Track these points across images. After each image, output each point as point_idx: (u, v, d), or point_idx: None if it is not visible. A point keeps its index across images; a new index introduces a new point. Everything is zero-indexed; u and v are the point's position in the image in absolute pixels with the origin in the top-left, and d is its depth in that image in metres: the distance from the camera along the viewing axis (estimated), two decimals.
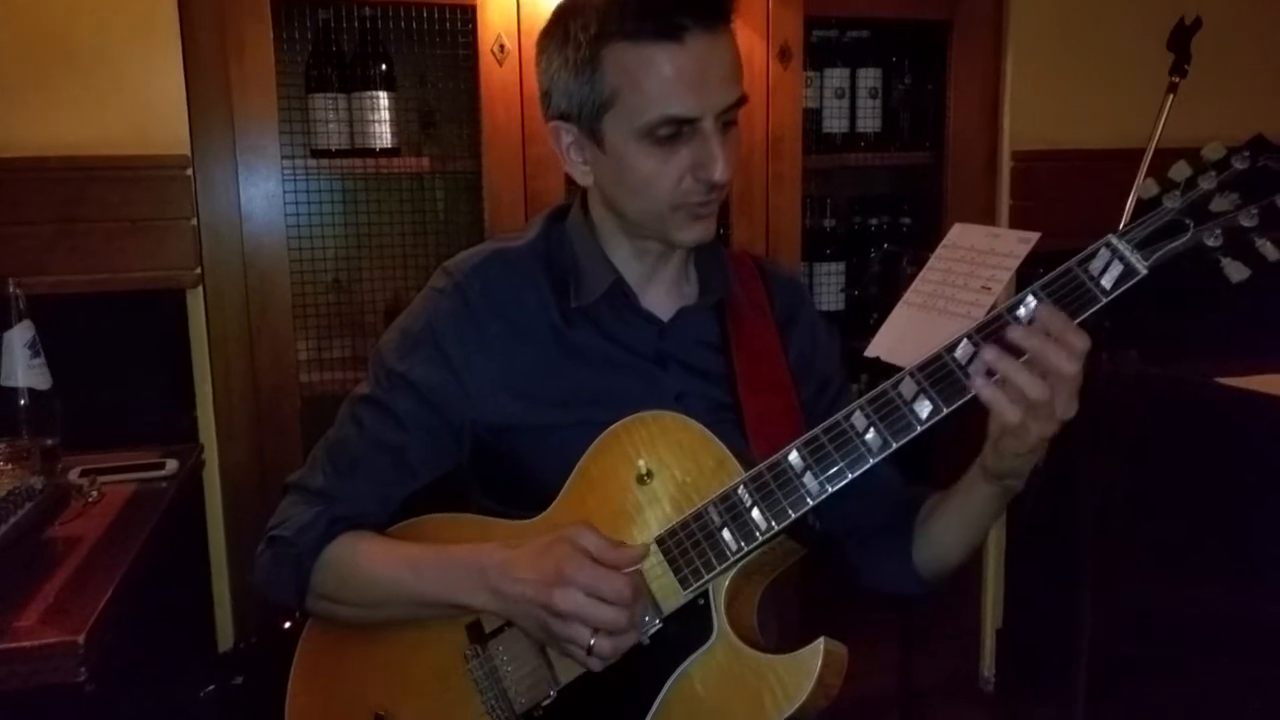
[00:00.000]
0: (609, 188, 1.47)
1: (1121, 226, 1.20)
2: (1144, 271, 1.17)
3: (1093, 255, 1.19)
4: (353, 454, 1.51)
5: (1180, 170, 1.20)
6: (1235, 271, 1.18)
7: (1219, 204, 1.18)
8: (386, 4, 2.61)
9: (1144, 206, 1.20)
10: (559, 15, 1.42)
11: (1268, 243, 1.17)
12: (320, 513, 1.48)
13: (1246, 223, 1.16)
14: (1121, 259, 1.18)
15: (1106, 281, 1.18)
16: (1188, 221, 1.18)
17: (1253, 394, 2.49)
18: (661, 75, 1.33)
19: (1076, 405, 1.22)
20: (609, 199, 1.48)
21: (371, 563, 1.44)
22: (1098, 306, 1.19)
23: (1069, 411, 1.22)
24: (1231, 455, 2.53)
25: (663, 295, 1.54)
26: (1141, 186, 1.21)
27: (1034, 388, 1.19)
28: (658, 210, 1.42)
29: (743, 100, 1.39)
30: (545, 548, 1.33)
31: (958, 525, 1.48)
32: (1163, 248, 1.18)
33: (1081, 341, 1.19)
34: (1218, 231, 1.17)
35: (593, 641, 1.27)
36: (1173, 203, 1.19)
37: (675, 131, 1.36)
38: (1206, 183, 1.18)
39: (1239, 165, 1.18)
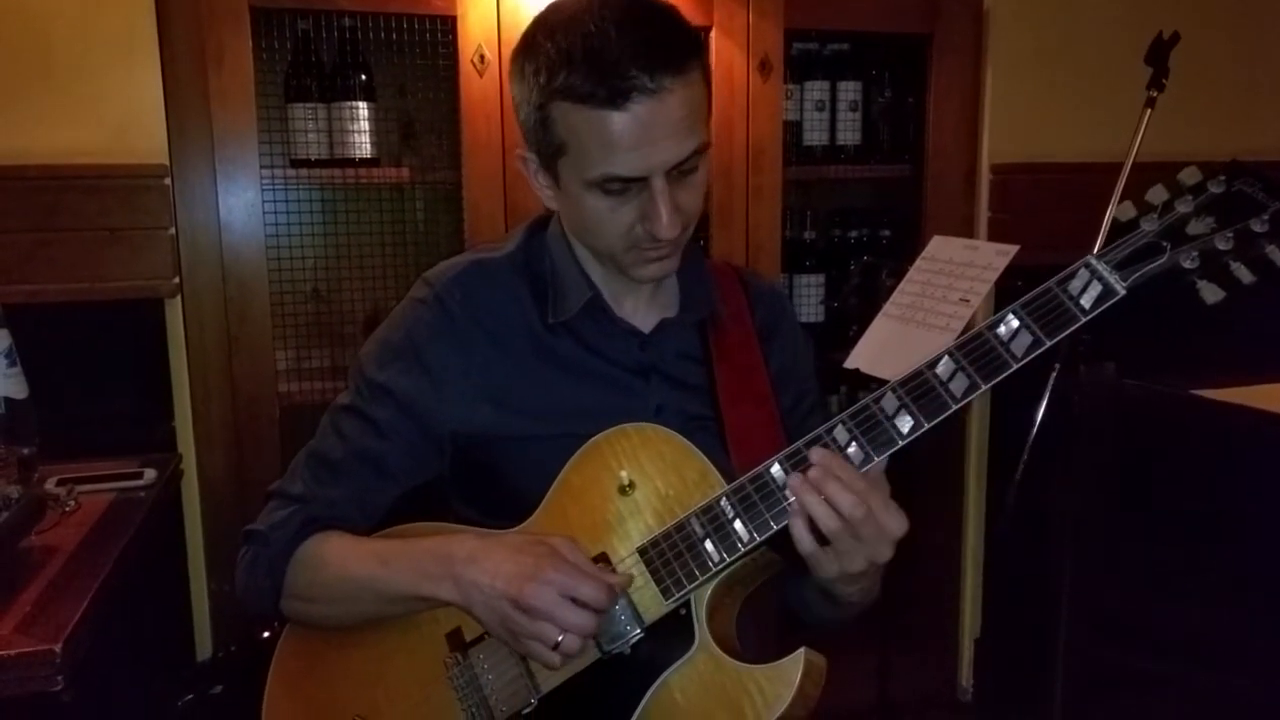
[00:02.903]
0: (569, 220, 1.49)
1: (1098, 242, 1.22)
2: (1122, 292, 1.19)
3: (1072, 275, 1.21)
4: (333, 463, 1.51)
5: (1157, 193, 1.22)
6: (1210, 293, 1.20)
7: (1195, 227, 1.19)
8: (366, 14, 2.60)
9: (1121, 228, 1.22)
10: (521, 47, 1.39)
11: (1242, 266, 1.18)
12: (295, 511, 1.48)
13: (1222, 246, 1.18)
14: (1100, 279, 1.19)
15: (1086, 301, 1.19)
16: (1165, 244, 1.20)
17: (1229, 406, 2.50)
18: (605, 139, 1.30)
19: (886, 551, 1.25)
20: (570, 229, 1.50)
21: (341, 558, 1.44)
22: (1077, 325, 1.20)
23: (876, 557, 1.25)
24: (1208, 467, 2.54)
25: (642, 307, 1.55)
26: (1119, 208, 1.22)
27: (830, 521, 1.23)
28: (611, 250, 1.42)
29: (701, 148, 1.36)
30: (523, 545, 1.33)
31: (818, 598, 1.45)
32: (1140, 269, 1.19)
33: (862, 484, 1.23)
34: (1194, 254, 1.19)
35: (560, 639, 1.27)
36: (1150, 225, 1.20)
37: (623, 187, 1.34)
38: (1183, 206, 1.20)
39: (1215, 189, 1.20)
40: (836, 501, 1.22)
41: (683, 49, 1.32)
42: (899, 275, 2.20)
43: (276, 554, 1.47)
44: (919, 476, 3.29)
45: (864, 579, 1.31)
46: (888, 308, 2.16)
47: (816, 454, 1.26)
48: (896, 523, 1.25)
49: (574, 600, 1.28)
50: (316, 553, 1.46)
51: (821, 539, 1.25)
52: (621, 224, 1.38)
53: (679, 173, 1.35)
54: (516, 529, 1.43)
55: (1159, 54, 2.42)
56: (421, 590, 1.38)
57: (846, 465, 1.24)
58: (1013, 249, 2.00)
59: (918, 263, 2.16)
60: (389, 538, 1.49)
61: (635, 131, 1.29)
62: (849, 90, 3.11)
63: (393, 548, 1.43)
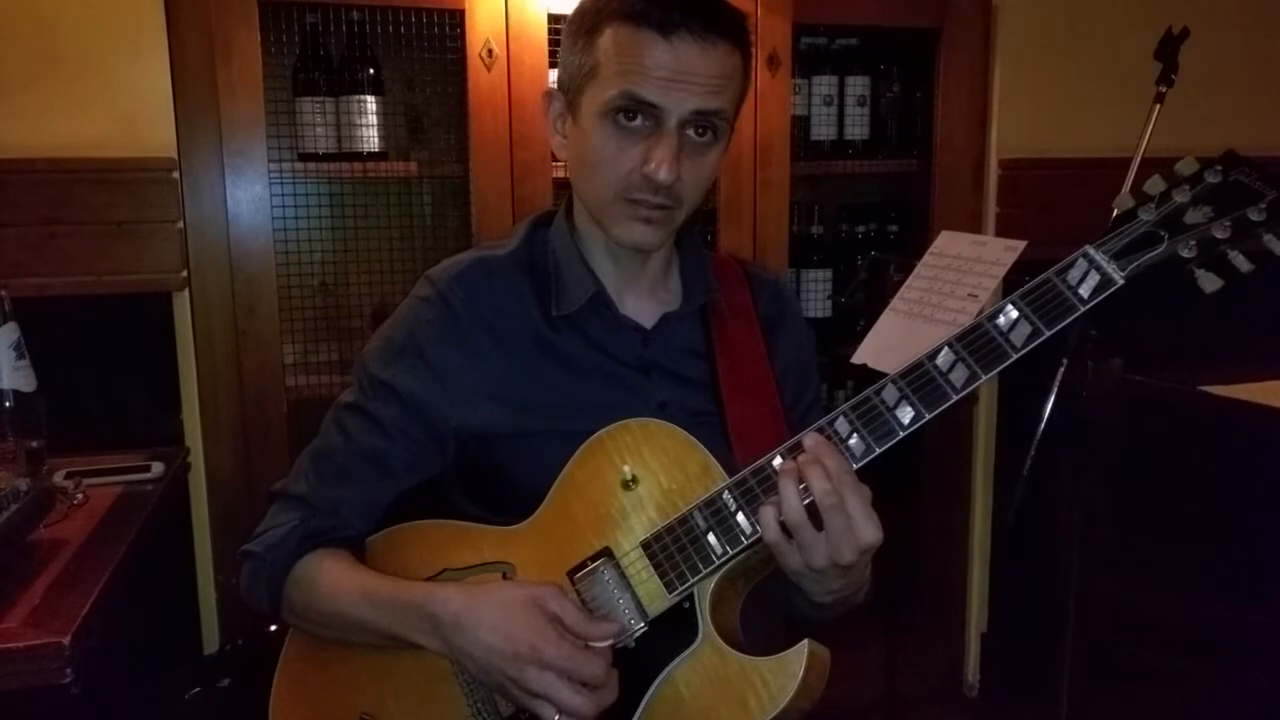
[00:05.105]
0: (573, 165, 1.49)
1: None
2: (1120, 281, 1.19)
3: (1070, 265, 1.21)
4: (337, 461, 1.51)
5: (1155, 184, 1.23)
6: (1209, 282, 1.21)
7: (1193, 216, 1.20)
8: (374, 8, 2.60)
9: (1120, 220, 1.22)
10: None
11: (1239, 254, 1.19)
12: (294, 528, 1.48)
13: (1219, 235, 1.19)
14: (1099, 269, 1.20)
15: (1084, 291, 1.20)
16: (1162, 233, 1.20)
17: (1235, 401, 2.50)
18: (640, 59, 1.35)
19: (849, 553, 1.23)
20: (572, 178, 1.52)
21: (333, 591, 1.43)
22: (1076, 315, 1.20)
23: (840, 557, 1.24)
24: (1214, 462, 2.54)
25: (645, 301, 1.55)
26: (1117, 200, 1.23)
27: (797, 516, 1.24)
28: (603, 197, 1.43)
29: (718, 114, 1.39)
30: (512, 610, 1.30)
31: (800, 596, 1.43)
32: (1139, 258, 1.20)
33: (847, 478, 1.23)
34: (1192, 243, 1.20)
35: (556, 717, 1.27)
36: (1148, 215, 1.21)
37: (636, 116, 1.37)
38: (1180, 196, 1.21)
39: (1211, 179, 1.21)
40: (811, 485, 1.22)
41: (735, 28, 1.40)
42: (907, 270, 2.20)
43: (273, 573, 1.47)
44: (926, 471, 3.29)
45: (831, 580, 1.29)
46: (895, 303, 2.16)
47: (809, 440, 1.26)
48: (869, 530, 1.23)
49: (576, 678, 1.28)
50: (311, 577, 1.45)
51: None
52: (624, 165, 1.39)
53: (692, 137, 1.39)
54: (521, 524, 1.43)
55: (1168, 49, 2.41)
56: (411, 640, 1.37)
57: (836, 454, 1.25)
58: (1020, 244, 1.99)
59: (925, 258, 2.16)
60: (397, 545, 1.50)
61: (670, 63, 1.34)
62: (857, 85, 3.10)
63: (382, 590, 1.41)
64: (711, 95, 1.37)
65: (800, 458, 1.25)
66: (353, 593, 1.42)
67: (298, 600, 1.47)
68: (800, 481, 1.23)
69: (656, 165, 1.37)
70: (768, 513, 1.25)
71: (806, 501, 1.23)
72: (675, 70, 1.35)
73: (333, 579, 1.44)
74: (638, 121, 1.38)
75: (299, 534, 1.47)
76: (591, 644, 1.30)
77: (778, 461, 1.29)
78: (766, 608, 1.48)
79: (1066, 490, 2.55)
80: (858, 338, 2.20)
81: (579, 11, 1.44)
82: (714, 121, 1.40)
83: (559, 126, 1.50)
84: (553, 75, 1.68)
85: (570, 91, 1.45)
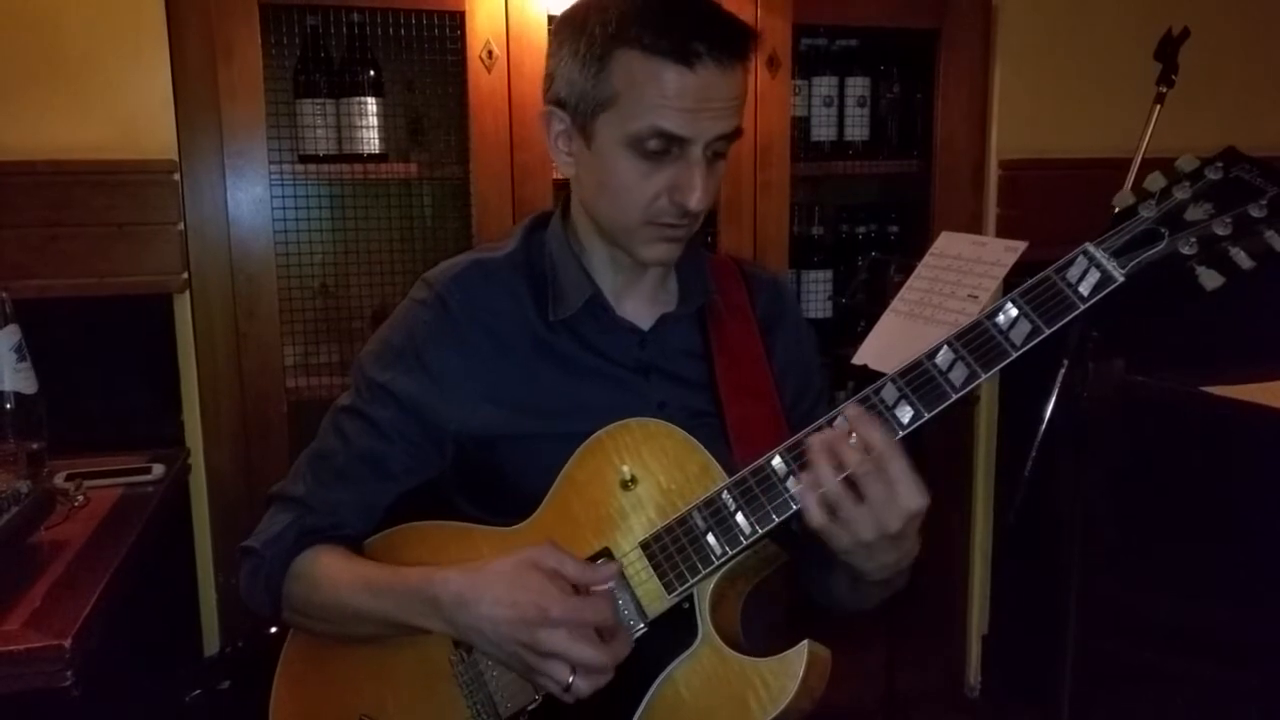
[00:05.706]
0: (587, 186, 1.48)
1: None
2: (1121, 279, 1.19)
3: (1070, 263, 1.21)
4: (335, 464, 1.51)
5: (1155, 181, 1.22)
6: (1209, 279, 1.20)
7: (1193, 213, 1.20)
8: (375, 10, 2.61)
9: (1120, 217, 1.22)
10: (577, 8, 1.43)
11: (1241, 251, 1.18)
12: (290, 524, 1.48)
13: (1220, 231, 1.18)
14: (1099, 266, 1.19)
15: (1084, 288, 1.20)
16: (1163, 230, 1.20)
17: (1237, 402, 2.50)
18: (664, 91, 1.33)
19: (894, 521, 1.23)
20: (585, 198, 1.50)
21: (333, 583, 1.43)
22: (1076, 313, 1.20)
23: (886, 527, 1.23)
24: (1217, 463, 2.54)
25: (642, 303, 1.55)
26: (1117, 197, 1.22)
27: (842, 502, 1.22)
28: (627, 222, 1.43)
29: (737, 133, 1.40)
30: (512, 576, 1.31)
31: (846, 583, 1.46)
32: (1139, 256, 1.20)
33: (880, 446, 1.21)
34: (1192, 240, 1.19)
35: (571, 679, 1.27)
36: (1149, 212, 1.21)
37: (663, 148, 1.36)
38: (1181, 193, 1.20)
39: (1212, 176, 1.20)
40: (844, 458, 1.21)
41: (746, 44, 1.39)
42: (907, 271, 2.19)
43: (273, 570, 1.47)
44: (926, 471, 3.28)
45: (882, 553, 1.27)
46: (895, 304, 2.15)
47: (852, 410, 1.24)
48: (911, 493, 1.23)
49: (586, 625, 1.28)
50: (310, 571, 1.46)
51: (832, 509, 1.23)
52: (648, 192, 1.39)
53: (712, 153, 1.39)
54: (520, 525, 1.43)
55: (1168, 49, 2.41)
56: (415, 624, 1.37)
57: (872, 426, 1.22)
58: (1021, 245, 1.99)
59: (926, 259, 2.16)
60: (396, 546, 1.51)
61: (696, 92, 1.34)
62: (857, 86, 3.10)
63: (380, 577, 1.41)
64: (733, 116, 1.39)
65: (829, 432, 1.24)
66: (353, 583, 1.42)
67: (297, 595, 1.47)
68: (833, 458, 1.22)
69: (687, 194, 1.38)
70: (810, 497, 1.23)
71: (841, 476, 1.21)
72: (700, 99, 1.34)
73: (332, 572, 1.44)
74: (663, 150, 1.37)
75: (296, 530, 1.48)
76: (594, 589, 1.31)
77: (776, 461, 1.29)
78: (767, 608, 1.48)
79: (1067, 491, 2.54)
80: (858, 338, 2.19)
81: (581, 31, 1.40)
82: (732, 138, 1.41)
83: (561, 145, 1.48)
84: None
85: (580, 114, 1.42)
